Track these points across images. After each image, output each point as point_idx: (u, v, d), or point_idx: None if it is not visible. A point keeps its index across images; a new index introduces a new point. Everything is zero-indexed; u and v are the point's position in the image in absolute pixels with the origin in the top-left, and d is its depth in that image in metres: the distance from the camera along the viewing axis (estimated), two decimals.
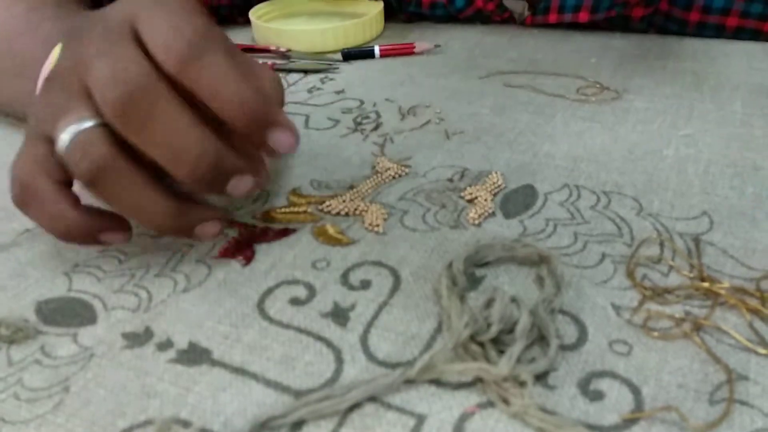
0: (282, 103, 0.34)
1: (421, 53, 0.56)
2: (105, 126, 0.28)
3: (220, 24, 0.66)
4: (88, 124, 0.28)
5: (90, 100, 0.28)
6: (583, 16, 0.57)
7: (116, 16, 0.29)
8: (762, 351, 0.25)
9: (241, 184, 0.29)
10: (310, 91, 0.50)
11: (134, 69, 0.27)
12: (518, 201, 0.35)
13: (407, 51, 0.56)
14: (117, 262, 0.32)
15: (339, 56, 0.56)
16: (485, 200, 0.35)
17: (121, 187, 0.28)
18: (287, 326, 0.27)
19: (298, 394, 0.24)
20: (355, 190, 0.36)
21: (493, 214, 0.34)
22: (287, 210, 0.35)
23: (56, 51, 0.37)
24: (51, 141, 0.29)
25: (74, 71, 0.29)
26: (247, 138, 0.29)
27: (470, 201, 0.35)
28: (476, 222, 0.33)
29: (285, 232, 0.33)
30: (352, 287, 0.29)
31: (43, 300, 0.30)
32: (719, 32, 0.56)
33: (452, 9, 0.62)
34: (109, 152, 0.27)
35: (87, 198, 0.30)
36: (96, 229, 0.30)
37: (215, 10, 0.66)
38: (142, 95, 0.27)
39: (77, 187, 0.30)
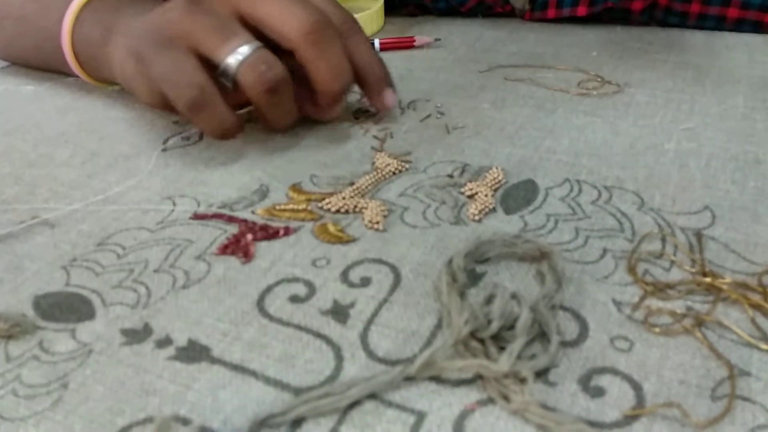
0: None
1: (421, 47, 0.56)
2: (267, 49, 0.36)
3: None
4: (256, 45, 0.36)
5: (245, 27, 0.36)
6: (582, 10, 0.57)
7: None
8: (764, 347, 0.25)
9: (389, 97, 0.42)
10: None
11: (317, 10, 0.37)
12: (519, 196, 0.35)
13: (407, 45, 0.56)
14: (115, 257, 0.32)
15: None
16: (486, 196, 0.34)
17: (288, 97, 0.38)
18: (287, 324, 0.27)
19: (297, 391, 0.24)
20: (354, 186, 0.36)
21: (494, 209, 0.34)
22: (287, 207, 0.35)
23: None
24: (198, 54, 0.36)
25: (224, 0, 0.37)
26: (369, 95, 0.42)
27: (471, 197, 0.35)
28: (477, 218, 0.33)
29: (285, 230, 0.33)
30: (352, 284, 0.29)
31: (41, 294, 0.30)
32: (720, 24, 0.56)
33: (454, 1, 0.61)
34: (284, 68, 0.37)
35: None
36: (239, 129, 0.39)
37: None
38: (326, 26, 0.37)
39: None
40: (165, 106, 0.39)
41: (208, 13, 0.37)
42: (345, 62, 0.38)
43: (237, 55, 0.36)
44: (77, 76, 0.48)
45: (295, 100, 0.39)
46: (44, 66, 0.52)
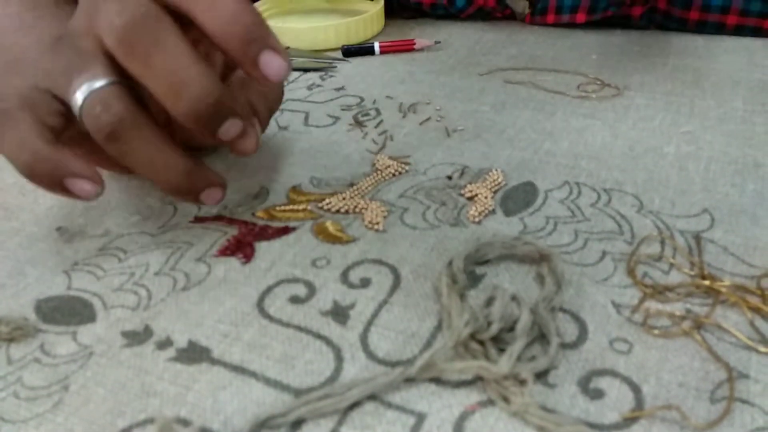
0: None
1: (421, 50, 0.56)
2: (121, 84, 0.28)
3: None
4: (105, 80, 0.28)
5: (104, 57, 0.29)
6: (581, 17, 0.58)
7: None
8: (763, 349, 0.25)
9: (233, 128, 0.29)
10: (309, 88, 0.50)
11: (139, 1, 0.27)
12: (518, 198, 0.35)
13: (407, 47, 0.56)
14: (116, 260, 0.32)
15: (338, 53, 0.56)
16: (485, 198, 0.34)
17: (140, 142, 0.28)
18: (287, 325, 0.27)
19: (297, 392, 0.24)
20: (354, 187, 0.36)
21: (494, 211, 0.34)
22: (287, 208, 0.35)
23: None
24: (54, 96, 0.29)
25: (86, 29, 0.29)
26: (239, 61, 0.28)
27: (470, 198, 0.35)
28: (476, 220, 0.33)
29: (285, 230, 0.33)
30: (352, 285, 0.29)
31: (43, 298, 0.30)
32: (719, 30, 0.56)
33: (453, 9, 0.62)
34: (128, 107, 0.28)
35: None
36: (63, 171, 0.29)
37: None
38: (147, 22, 0.27)
39: None
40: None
41: (67, 48, 0.30)
42: (186, 71, 0.27)
43: (77, 97, 0.29)
44: None
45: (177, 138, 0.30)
46: None
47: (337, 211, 0.34)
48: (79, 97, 0.28)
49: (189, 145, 0.33)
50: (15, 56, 0.41)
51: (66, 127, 0.30)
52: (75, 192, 0.29)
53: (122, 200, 0.37)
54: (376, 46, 0.56)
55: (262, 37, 0.28)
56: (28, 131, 0.29)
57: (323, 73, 0.53)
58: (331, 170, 0.38)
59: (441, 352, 0.25)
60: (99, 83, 0.28)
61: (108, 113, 0.28)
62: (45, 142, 0.29)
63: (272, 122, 0.44)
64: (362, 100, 0.47)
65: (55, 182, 0.29)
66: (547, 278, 0.28)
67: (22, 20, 0.43)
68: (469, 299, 0.28)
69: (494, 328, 0.25)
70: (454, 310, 0.26)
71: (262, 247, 0.32)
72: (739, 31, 0.55)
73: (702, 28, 0.56)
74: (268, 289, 0.29)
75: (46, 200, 0.37)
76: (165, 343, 0.27)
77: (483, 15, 0.62)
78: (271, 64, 0.28)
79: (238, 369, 0.25)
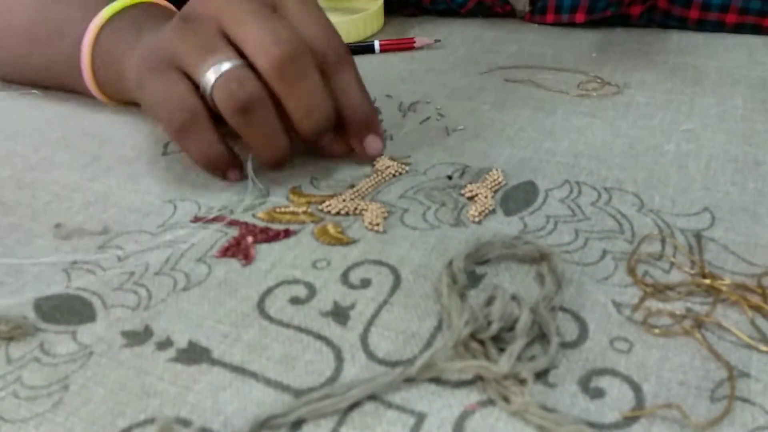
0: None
1: (421, 48, 0.56)
2: (247, 66, 0.34)
3: None
4: (236, 62, 0.33)
5: (229, 44, 0.34)
6: (580, 17, 0.58)
7: None
8: (764, 348, 0.25)
9: (336, 146, 0.38)
10: None
11: (294, 38, 0.33)
12: (519, 198, 0.35)
13: (407, 46, 0.56)
14: (116, 259, 0.32)
15: None
16: (486, 197, 0.34)
17: (265, 118, 0.34)
18: (287, 325, 0.27)
19: (298, 393, 0.24)
20: (355, 189, 0.36)
21: (494, 211, 0.34)
22: (287, 210, 0.35)
23: (108, 10, 0.44)
24: (188, 77, 0.35)
25: (214, 18, 0.34)
26: (351, 134, 0.38)
27: (471, 198, 0.35)
28: (477, 219, 0.33)
29: (286, 232, 0.33)
30: (352, 286, 0.29)
31: (42, 297, 0.30)
32: (719, 29, 0.56)
33: (453, 5, 0.62)
34: (259, 86, 0.33)
35: None
36: (230, 163, 0.37)
37: None
38: (300, 61, 0.33)
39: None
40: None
41: (194, 31, 0.35)
42: (319, 100, 0.35)
43: (213, 72, 0.33)
44: (94, 97, 0.47)
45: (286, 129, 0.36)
46: (57, 86, 0.50)
47: (338, 213, 0.34)
48: (211, 74, 0.33)
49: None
50: (60, 25, 0.46)
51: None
52: (227, 179, 0.37)
53: (121, 197, 0.37)
54: (376, 44, 0.56)
55: (374, 125, 0.38)
56: (210, 135, 0.35)
57: None
58: (332, 171, 0.38)
59: (441, 352, 0.25)
60: (230, 64, 0.33)
61: (243, 89, 0.33)
62: (223, 144, 0.36)
63: None
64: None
65: (221, 172, 0.37)
66: (548, 277, 0.28)
67: None
68: (469, 299, 0.28)
69: (494, 328, 0.25)
70: (454, 309, 0.26)
71: (263, 249, 0.32)
72: (738, 29, 0.55)
73: (702, 26, 0.56)
74: (269, 290, 0.29)
75: (44, 195, 0.37)
76: (165, 344, 0.27)
77: (483, 10, 0.62)
78: (371, 145, 0.38)
79: (239, 369, 0.25)
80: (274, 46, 0.33)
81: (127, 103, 0.46)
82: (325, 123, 0.36)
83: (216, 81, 0.33)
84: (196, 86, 0.35)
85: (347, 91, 0.36)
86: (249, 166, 0.36)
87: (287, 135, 0.36)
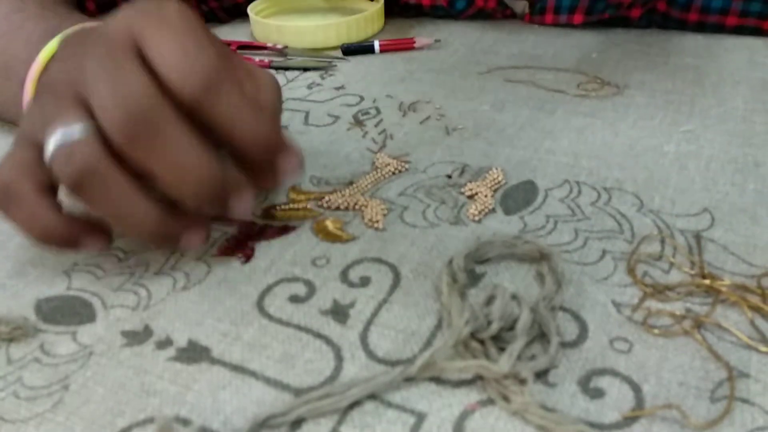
0: (281, 111, 0.33)
1: (421, 48, 0.56)
2: (92, 132, 0.27)
3: (220, 21, 0.66)
4: (75, 128, 0.27)
5: (80, 107, 0.28)
6: (578, 18, 0.58)
7: (118, 29, 0.28)
8: (763, 348, 0.25)
9: (241, 204, 0.29)
10: (309, 87, 0.50)
11: (141, 90, 0.26)
12: (518, 197, 0.35)
13: (407, 46, 0.56)
14: (116, 260, 0.32)
15: (338, 52, 0.56)
16: (485, 196, 0.34)
17: (107, 192, 0.28)
18: (287, 324, 0.27)
19: (297, 392, 0.24)
20: (354, 185, 0.36)
21: (494, 210, 0.34)
22: (287, 207, 0.35)
23: (45, 52, 0.37)
24: (39, 147, 0.29)
25: (69, 80, 0.29)
26: (255, 164, 0.29)
27: (470, 197, 0.35)
28: (476, 218, 0.33)
29: (285, 230, 0.33)
30: (351, 284, 0.29)
31: (43, 298, 0.30)
32: (718, 31, 0.56)
33: (453, 11, 0.62)
34: (95, 156, 0.27)
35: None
36: (75, 234, 0.30)
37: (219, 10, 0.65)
38: (150, 118, 0.26)
39: (62, 196, 0.30)
40: None
41: (46, 98, 0.30)
42: (191, 158, 0.27)
43: (52, 143, 0.28)
44: None
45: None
46: (11, 122, 0.45)
47: (337, 208, 0.34)
48: (51, 143, 0.28)
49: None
50: (6, 63, 0.41)
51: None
52: (87, 248, 0.30)
53: None
54: (376, 44, 0.56)
55: (279, 144, 0.29)
56: (33, 204, 0.29)
57: (323, 72, 0.53)
58: (331, 169, 0.38)
59: (441, 351, 0.25)
60: (71, 130, 0.28)
61: (72, 162, 0.27)
62: (53, 214, 0.29)
63: None
64: (362, 99, 0.47)
65: (67, 247, 0.30)
66: (548, 277, 0.28)
67: (10, 22, 0.43)
68: (469, 298, 0.28)
69: (494, 327, 0.25)
70: (455, 309, 0.26)
71: (262, 247, 0.32)
72: (738, 32, 0.55)
73: (701, 29, 0.56)
74: (268, 289, 0.29)
75: None
76: (165, 343, 0.27)
77: (483, 16, 0.62)
78: (288, 166, 0.30)
79: (238, 368, 0.25)
80: (116, 104, 0.26)
81: None
82: (209, 185, 0.27)
83: (52, 153, 0.28)
84: None
85: (231, 119, 0.27)
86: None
87: (152, 203, 0.28)
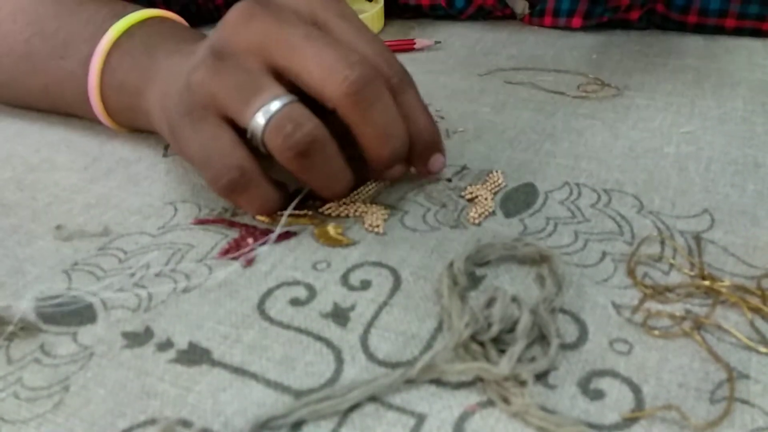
0: None
1: (421, 50, 0.56)
2: (301, 103, 0.30)
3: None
4: (287, 99, 0.30)
5: (276, 78, 0.31)
6: (576, 22, 0.58)
7: (300, 6, 0.32)
8: (763, 350, 0.25)
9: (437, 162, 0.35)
10: None
11: (360, 56, 0.30)
12: (519, 200, 0.35)
13: (407, 47, 0.56)
14: (117, 261, 0.32)
15: None
16: (486, 199, 0.34)
17: (328, 158, 0.31)
18: (287, 327, 0.27)
19: (298, 394, 0.24)
20: (355, 191, 0.36)
21: (494, 213, 0.34)
22: (288, 212, 0.35)
23: (115, 30, 0.39)
24: (231, 123, 0.31)
25: (253, 49, 0.31)
26: (416, 156, 0.34)
27: (471, 200, 0.35)
28: (476, 221, 0.33)
29: (286, 235, 0.33)
30: (352, 288, 0.29)
31: (43, 298, 0.30)
32: (718, 33, 0.56)
33: (453, 11, 0.62)
34: (318, 125, 0.30)
35: None
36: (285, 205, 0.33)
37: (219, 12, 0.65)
38: (373, 80, 0.30)
39: None
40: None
41: (233, 69, 0.31)
42: (396, 124, 0.32)
43: (263, 114, 0.30)
44: (94, 120, 0.44)
45: (348, 159, 0.32)
46: (50, 108, 0.46)
47: (338, 216, 0.34)
48: (260, 117, 0.30)
49: None
50: (64, 43, 0.42)
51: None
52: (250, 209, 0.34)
53: (121, 199, 0.37)
54: None
55: (439, 144, 0.35)
56: (264, 189, 0.33)
57: None
58: None
59: (441, 354, 0.25)
60: (281, 102, 0.30)
61: (301, 131, 0.29)
62: (279, 191, 0.33)
63: None
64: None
65: (256, 199, 0.33)
66: (548, 279, 0.28)
67: (61, 5, 0.44)
68: (469, 300, 0.28)
69: (495, 330, 0.25)
70: (455, 311, 0.26)
71: (263, 251, 0.32)
72: (737, 33, 0.55)
73: (700, 31, 0.56)
74: (269, 292, 0.29)
75: (45, 197, 0.37)
76: (165, 345, 0.27)
77: (483, 14, 0.62)
78: (437, 164, 0.35)
79: (239, 370, 0.25)
80: (345, 70, 0.29)
81: (145, 131, 0.43)
82: (401, 148, 0.32)
83: (267, 124, 0.30)
84: (241, 131, 0.31)
85: (413, 113, 0.33)
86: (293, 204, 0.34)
87: (348, 168, 0.32)
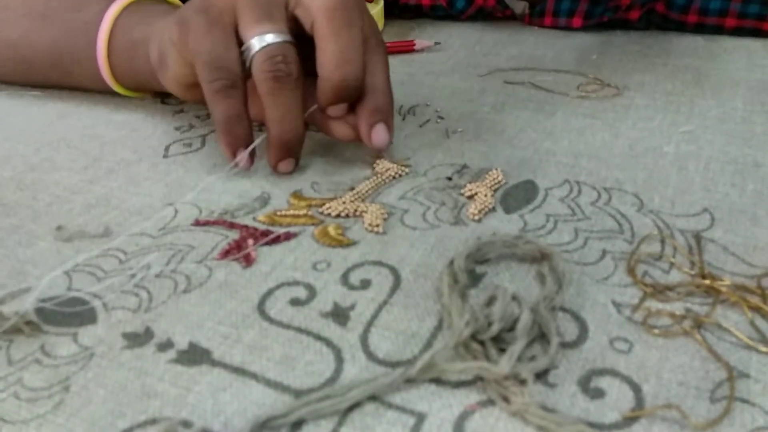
0: None
1: (421, 50, 0.56)
2: (294, 45, 0.36)
3: None
4: (287, 37, 0.35)
5: (288, 17, 0.36)
6: (577, 22, 0.58)
7: None
8: (763, 349, 0.25)
9: (342, 128, 0.38)
10: None
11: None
12: (519, 196, 0.35)
13: (407, 48, 0.56)
14: (117, 261, 0.32)
15: None
16: (485, 196, 0.34)
17: (292, 94, 0.35)
18: (287, 326, 0.27)
19: (298, 393, 0.24)
20: (355, 191, 0.36)
21: (494, 209, 0.34)
22: (288, 213, 0.35)
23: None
24: (235, 28, 0.36)
25: None
26: (363, 118, 0.37)
27: (470, 197, 0.35)
28: (476, 218, 0.33)
29: (286, 235, 0.33)
30: (352, 287, 0.29)
31: (43, 299, 0.30)
32: (718, 33, 0.56)
33: (453, 11, 0.62)
34: (300, 69, 0.35)
35: None
36: (245, 140, 0.37)
37: None
38: (353, 7, 0.35)
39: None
40: (187, 90, 0.39)
41: None
42: (357, 55, 0.35)
43: (261, 39, 0.35)
44: (90, 88, 0.48)
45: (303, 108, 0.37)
46: (50, 67, 0.49)
47: (338, 216, 0.34)
48: (256, 42, 0.35)
49: None
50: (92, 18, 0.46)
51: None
52: (235, 159, 0.37)
53: (122, 199, 0.37)
54: None
55: (388, 113, 0.37)
56: (241, 104, 0.36)
57: None
58: (332, 174, 0.38)
59: (441, 353, 0.25)
60: (281, 38, 0.35)
61: (286, 64, 0.35)
62: (247, 120, 0.37)
63: None
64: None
65: (233, 148, 0.37)
66: (548, 277, 0.28)
67: None
68: (469, 299, 0.28)
69: (495, 329, 0.25)
70: (455, 310, 0.26)
71: (263, 251, 0.32)
72: (737, 33, 0.55)
73: (700, 31, 0.56)
74: (269, 292, 0.29)
75: (45, 197, 0.37)
76: (166, 345, 0.27)
77: (483, 15, 0.62)
78: (378, 135, 0.37)
79: (239, 370, 0.25)
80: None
81: (135, 91, 0.47)
82: (354, 82, 0.35)
83: (261, 49, 0.35)
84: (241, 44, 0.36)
85: (375, 72, 0.37)
86: (255, 142, 0.37)
87: (304, 124, 0.37)
